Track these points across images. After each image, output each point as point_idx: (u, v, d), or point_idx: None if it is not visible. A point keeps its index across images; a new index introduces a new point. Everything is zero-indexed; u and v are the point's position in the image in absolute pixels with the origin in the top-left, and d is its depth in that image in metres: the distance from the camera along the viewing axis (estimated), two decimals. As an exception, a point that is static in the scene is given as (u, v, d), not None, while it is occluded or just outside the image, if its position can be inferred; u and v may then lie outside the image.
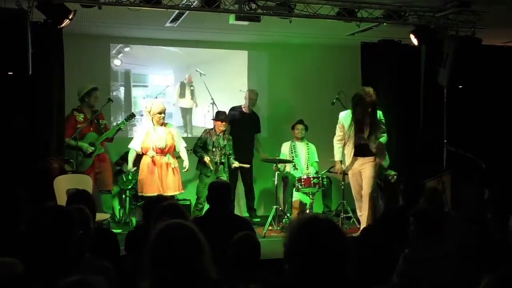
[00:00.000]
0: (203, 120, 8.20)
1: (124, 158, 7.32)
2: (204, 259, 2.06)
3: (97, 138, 6.82)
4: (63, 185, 5.94)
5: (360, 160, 6.26)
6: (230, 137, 7.19)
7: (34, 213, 2.55)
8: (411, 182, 4.63)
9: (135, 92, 8.02)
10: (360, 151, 6.24)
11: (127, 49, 7.95)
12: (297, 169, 7.48)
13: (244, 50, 8.40)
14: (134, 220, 7.11)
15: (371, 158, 6.25)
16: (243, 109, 7.76)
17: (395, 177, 6.77)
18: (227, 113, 7.38)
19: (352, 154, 6.23)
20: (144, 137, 6.34)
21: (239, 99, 7.99)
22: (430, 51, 7.13)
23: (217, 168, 7.03)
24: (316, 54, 8.33)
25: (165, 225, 2.09)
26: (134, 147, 6.37)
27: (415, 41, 6.76)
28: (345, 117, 6.29)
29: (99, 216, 5.49)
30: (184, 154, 6.51)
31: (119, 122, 6.90)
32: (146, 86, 8.16)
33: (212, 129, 7.23)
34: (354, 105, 6.16)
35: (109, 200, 6.94)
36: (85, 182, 6.06)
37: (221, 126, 7.06)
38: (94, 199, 4.01)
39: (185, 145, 6.58)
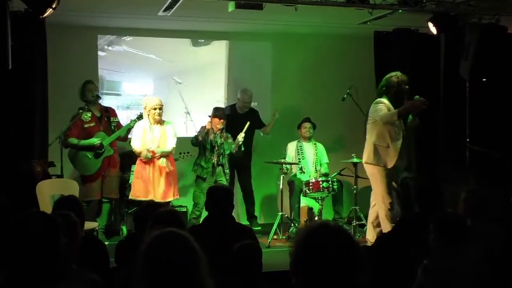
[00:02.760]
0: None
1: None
2: (201, 271, 2.06)
3: (106, 138, 6.68)
4: (47, 190, 5.95)
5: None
6: (229, 135, 7.16)
7: (15, 220, 2.55)
8: (429, 184, 4.61)
9: (107, 101, 7.60)
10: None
11: (102, 53, 7.90)
12: (304, 172, 7.47)
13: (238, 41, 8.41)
14: (124, 229, 7.12)
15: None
16: (238, 109, 7.73)
17: (411, 180, 6.76)
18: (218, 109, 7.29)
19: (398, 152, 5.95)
20: (142, 135, 6.36)
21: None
22: (450, 40, 7.13)
23: (214, 171, 7.03)
24: (325, 45, 8.33)
25: (158, 235, 2.09)
26: (136, 146, 6.40)
27: (433, 30, 6.75)
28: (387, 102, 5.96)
29: (88, 225, 5.50)
30: (166, 150, 6.44)
31: (131, 121, 6.77)
32: (119, 95, 8.04)
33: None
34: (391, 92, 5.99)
35: (105, 211, 6.84)
36: (71, 188, 6.06)
37: (219, 123, 7.04)
38: (82, 206, 4.02)
39: (174, 146, 6.50)
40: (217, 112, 7.08)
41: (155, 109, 6.32)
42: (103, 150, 6.64)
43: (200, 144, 6.94)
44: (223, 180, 6.99)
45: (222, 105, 7.95)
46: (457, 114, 7.19)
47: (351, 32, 7.87)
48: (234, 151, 6.99)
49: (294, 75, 8.37)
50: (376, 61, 7.59)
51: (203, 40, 8.26)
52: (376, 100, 5.99)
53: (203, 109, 7.88)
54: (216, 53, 8.35)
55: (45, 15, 5.82)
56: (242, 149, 7.07)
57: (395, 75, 6.01)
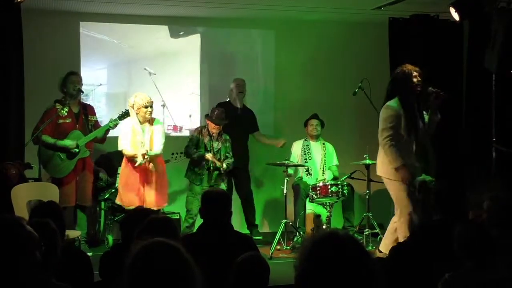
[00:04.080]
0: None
1: (99, 163, 7.32)
2: (194, 286, 2.05)
3: (81, 138, 6.65)
4: (23, 195, 5.95)
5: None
6: (227, 137, 7.18)
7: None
8: (451, 188, 4.60)
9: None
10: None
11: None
12: (311, 174, 7.48)
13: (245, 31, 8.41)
14: (110, 238, 7.12)
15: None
16: (233, 102, 7.72)
17: (432, 183, 6.76)
18: (216, 111, 7.28)
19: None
20: (130, 135, 6.33)
21: (191, 102, 7.97)
22: (475, 28, 7.13)
23: (210, 177, 7.04)
24: (334, 33, 8.33)
25: (146, 245, 2.09)
26: (127, 147, 6.34)
27: (455, 16, 6.74)
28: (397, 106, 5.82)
29: (69, 234, 5.50)
30: (156, 153, 6.41)
31: (110, 120, 6.71)
32: None
33: (204, 127, 7.24)
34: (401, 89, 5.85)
35: (83, 218, 6.84)
36: (51, 192, 6.06)
37: (214, 128, 7.08)
38: (63, 213, 4.02)
39: (161, 148, 6.44)
40: (213, 116, 7.08)
41: (146, 107, 6.25)
42: (78, 151, 6.58)
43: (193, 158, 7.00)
44: (222, 186, 7.00)
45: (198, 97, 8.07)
46: (482, 111, 7.18)
47: (364, 19, 7.88)
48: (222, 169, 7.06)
49: (300, 67, 8.36)
50: (391, 52, 7.59)
51: (182, 33, 8.26)
52: (385, 105, 5.82)
53: (180, 101, 7.95)
54: (197, 42, 8.34)
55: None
56: (224, 166, 7.08)
57: (401, 69, 5.83)
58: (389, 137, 5.76)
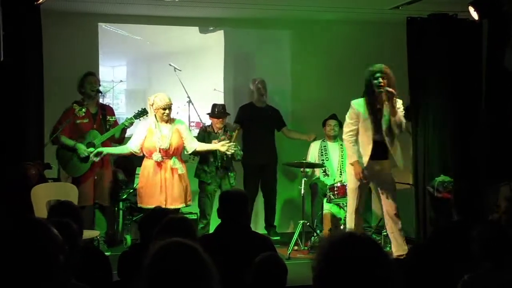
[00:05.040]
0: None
1: (118, 163, 7.35)
2: (212, 286, 2.06)
3: (98, 137, 6.65)
4: (43, 195, 6.00)
5: (375, 165, 6.15)
6: (233, 134, 7.13)
7: (6, 229, 2.56)
8: (470, 189, 4.58)
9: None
10: (376, 151, 6.08)
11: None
12: (328, 175, 7.46)
13: (272, 30, 8.41)
14: (128, 238, 7.16)
15: (387, 162, 6.20)
16: (256, 103, 7.73)
17: (450, 184, 6.72)
18: (226, 107, 7.29)
19: (369, 154, 6.06)
20: (145, 136, 6.30)
21: (214, 99, 7.93)
22: (494, 27, 7.06)
23: (218, 174, 7.03)
24: (351, 33, 8.30)
25: (162, 245, 2.09)
26: (131, 146, 6.31)
27: (474, 15, 6.70)
28: (359, 103, 6.16)
29: (88, 234, 5.54)
30: (190, 150, 6.46)
31: (126, 119, 6.76)
32: None
33: (209, 126, 7.26)
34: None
35: (102, 217, 6.87)
36: (70, 192, 6.11)
37: (218, 123, 7.08)
38: (79, 212, 4.04)
39: (197, 146, 6.49)
40: (215, 111, 7.10)
41: (164, 109, 6.20)
42: (90, 152, 6.53)
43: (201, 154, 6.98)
44: (227, 185, 6.98)
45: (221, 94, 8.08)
46: (502, 112, 7.11)
47: (381, 18, 7.85)
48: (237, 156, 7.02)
49: (317, 67, 8.35)
50: (409, 51, 7.53)
51: (211, 28, 8.31)
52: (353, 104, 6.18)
53: (202, 98, 7.94)
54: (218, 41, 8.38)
55: (40, 1, 5.87)
56: (238, 158, 7.07)
57: (368, 69, 6.07)
58: (349, 133, 6.14)
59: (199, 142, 6.57)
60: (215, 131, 7.09)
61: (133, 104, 7.94)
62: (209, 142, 6.88)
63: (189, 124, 7.68)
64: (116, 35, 8.00)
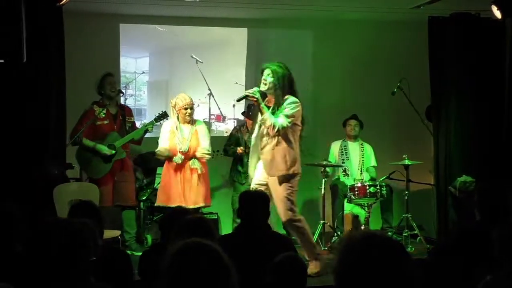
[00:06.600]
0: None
1: (137, 163, 7.38)
2: (231, 286, 2.06)
3: (118, 140, 6.64)
4: (65, 195, 6.04)
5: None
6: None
7: (33, 230, 2.58)
8: (493, 190, 4.53)
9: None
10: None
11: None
12: (348, 175, 7.43)
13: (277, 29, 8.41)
14: (149, 238, 7.18)
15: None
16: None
17: (472, 184, 6.67)
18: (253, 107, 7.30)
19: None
20: (169, 136, 6.36)
21: (235, 92, 7.89)
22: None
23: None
24: (372, 33, 8.26)
25: (181, 246, 2.10)
26: (160, 149, 6.37)
27: (497, 14, 6.64)
28: None
29: (109, 233, 5.57)
30: (199, 155, 6.38)
31: (146, 122, 6.78)
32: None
33: (243, 125, 7.26)
34: None
35: (131, 217, 6.89)
36: (91, 192, 6.15)
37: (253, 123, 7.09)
38: (100, 212, 4.06)
39: (208, 148, 6.43)
40: (250, 112, 7.11)
41: (186, 109, 6.27)
42: (114, 152, 6.61)
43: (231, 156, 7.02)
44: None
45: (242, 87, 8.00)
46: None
47: (402, 18, 7.81)
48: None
49: (338, 67, 8.32)
50: (431, 51, 7.48)
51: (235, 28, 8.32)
52: None
53: (224, 91, 7.95)
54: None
55: (63, 2, 5.91)
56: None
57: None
58: None
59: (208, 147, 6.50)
60: (250, 132, 7.10)
61: (155, 95, 7.99)
62: (243, 143, 7.05)
63: (209, 116, 7.69)
64: (138, 26, 8.07)
